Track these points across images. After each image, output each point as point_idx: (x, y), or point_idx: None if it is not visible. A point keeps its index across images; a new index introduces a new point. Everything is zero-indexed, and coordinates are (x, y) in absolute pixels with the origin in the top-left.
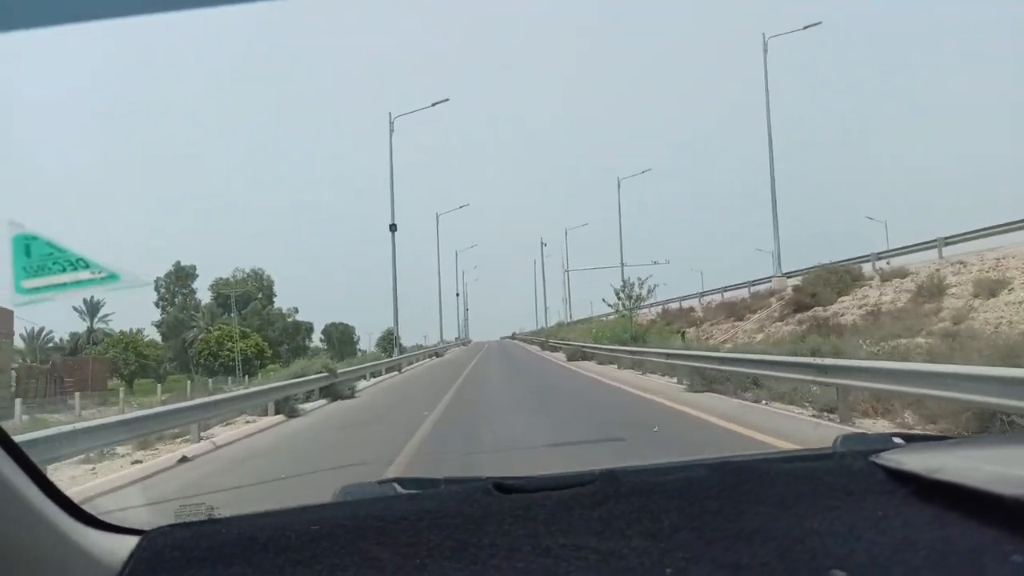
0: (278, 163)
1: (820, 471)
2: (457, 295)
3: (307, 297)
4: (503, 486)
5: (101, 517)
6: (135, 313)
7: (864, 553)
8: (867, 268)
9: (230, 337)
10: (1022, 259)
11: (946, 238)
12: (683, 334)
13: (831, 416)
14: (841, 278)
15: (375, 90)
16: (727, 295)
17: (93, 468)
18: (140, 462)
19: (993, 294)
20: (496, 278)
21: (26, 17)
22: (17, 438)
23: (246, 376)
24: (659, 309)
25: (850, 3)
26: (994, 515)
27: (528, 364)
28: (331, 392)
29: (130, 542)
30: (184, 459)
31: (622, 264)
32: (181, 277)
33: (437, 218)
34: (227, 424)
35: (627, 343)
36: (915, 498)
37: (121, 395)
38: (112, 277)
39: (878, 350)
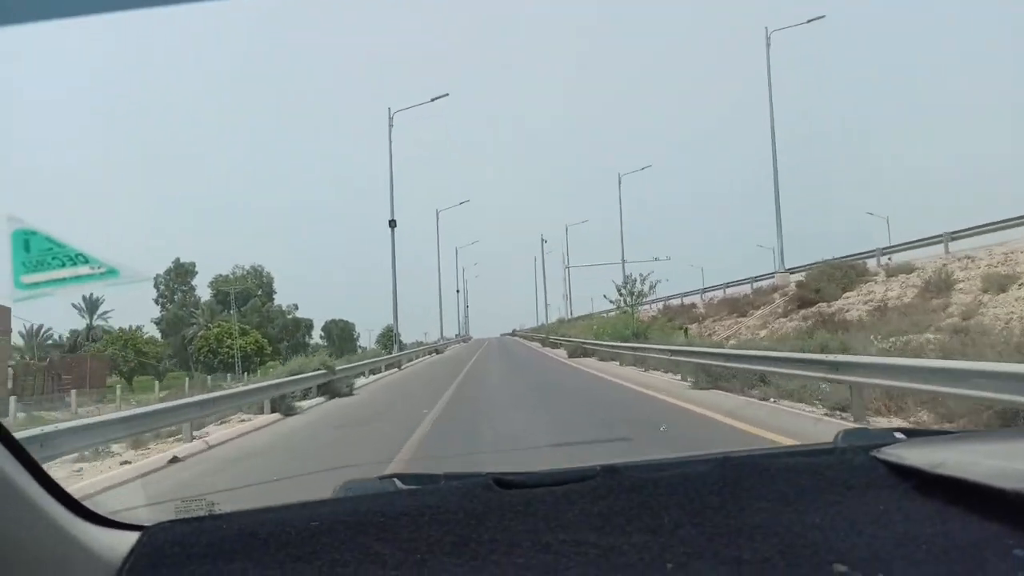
0: (278, 161)
1: (821, 466)
2: (457, 292)
3: (307, 294)
4: (503, 481)
5: (102, 513)
6: (135, 310)
7: (866, 548)
8: (871, 264)
9: (229, 334)
10: None
11: (952, 233)
12: (686, 330)
13: (843, 415)
14: (846, 273)
15: (375, 88)
16: (729, 291)
17: (80, 468)
18: (129, 462)
19: (1003, 289)
20: (496, 275)
21: (26, 13)
22: None
23: (245, 373)
24: (660, 305)
25: (852, 2)
26: (995, 509)
27: (529, 360)
28: (329, 389)
29: (131, 538)
30: (175, 459)
31: (623, 261)
32: (181, 274)
33: (437, 214)
34: (222, 423)
35: (629, 339)
36: (916, 493)
37: (118, 392)
38: (112, 272)
39: (889, 346)
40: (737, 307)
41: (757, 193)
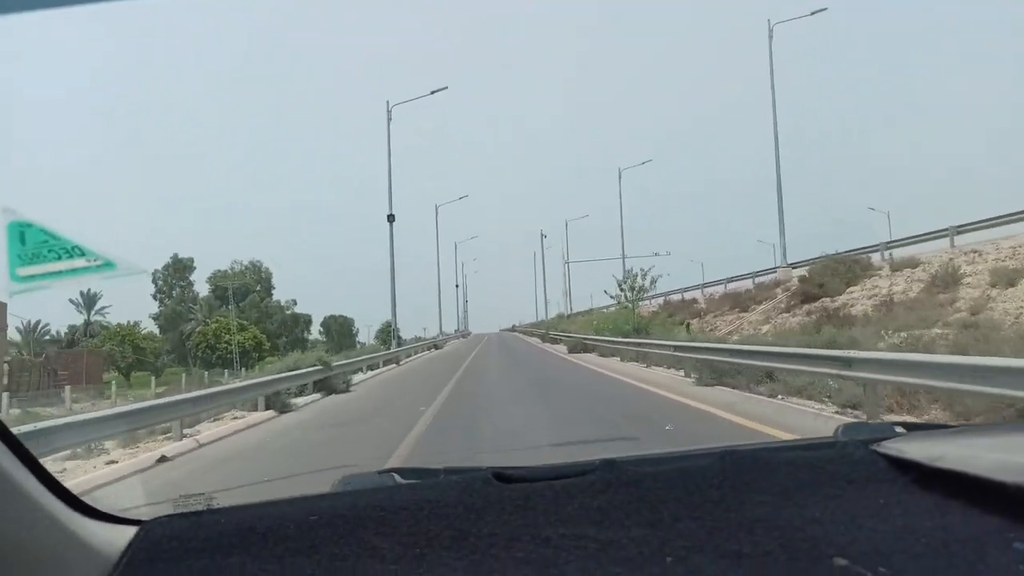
0: (277, 156)
1: (822, 460)
2: (457, 287)
3: (306, 290)
4: (502, 476)
5: (100, 507)
6: (133, 306)
7: (866, 541)
8: (875, 258)
9: (228, 330)
10: None
11: (958, 227)
12: (688, 325)
13: (855, 412)
14: (850, 268)
15: (374, 85)
16: (730, 286)
17: (63, 469)
18: (116, 462)
19: (1012, 284)
20: (496, 270)
21: (22, 3)
22: None
23: (243, 369)
24: (661, 301)
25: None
26: (995, 503)
27: (529, 356)
28: (325, 386)
29: (128, 532)
30: (163, 459)
31: (623, 256)
32: (179, 269)
33: (436, 209)
34: (215, 420)
35: (629, 335)
36: (916, 486)
37: (113, 388)
38: (108, 265)
39: (900, 341)
40: (739, 302)
41: (757, 188)
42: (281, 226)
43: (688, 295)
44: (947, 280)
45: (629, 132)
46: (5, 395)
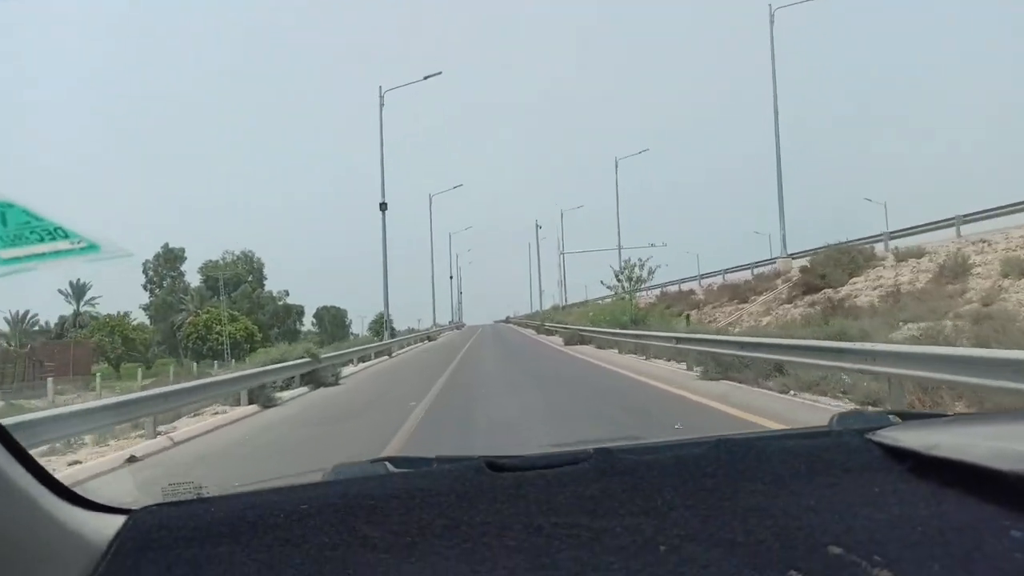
0: (270, 147)
1: (817, 449)
2: (451, 278)
3: (299, 280)
4: (495, 464)
5: (87, 496)
6: (123, 296)
7: (861, 530)
8: (878, 249)
9: (219, 320)
10: None
11: (964, 215)
12: (687, 317)
13: (875, 410)
14: (853, 258)
15: (367, 72)
16: (729, 277)
17: None
18: (80, 462)
19: None
20: (490, 261)
21: None
22: None
23: (233, 360)
24: (657, 292)
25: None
26: (991, 491)
27: (524, 348)
28: (313, 379)
29: (117, 521)
30: (132, 459)
31: (619, 247)
32: (169, 260)
33: (430, 199)
34: (194, 415)
35: (627, 326)
36: (912, 475)
37: (98, 380)
38: (92, 247)
39: (920, 334)
40: (738, 293)
41: (753, 180)
42: (274, 216)
43: (685, 286)
44: (956, 270)
45: (626, 123)
46: None
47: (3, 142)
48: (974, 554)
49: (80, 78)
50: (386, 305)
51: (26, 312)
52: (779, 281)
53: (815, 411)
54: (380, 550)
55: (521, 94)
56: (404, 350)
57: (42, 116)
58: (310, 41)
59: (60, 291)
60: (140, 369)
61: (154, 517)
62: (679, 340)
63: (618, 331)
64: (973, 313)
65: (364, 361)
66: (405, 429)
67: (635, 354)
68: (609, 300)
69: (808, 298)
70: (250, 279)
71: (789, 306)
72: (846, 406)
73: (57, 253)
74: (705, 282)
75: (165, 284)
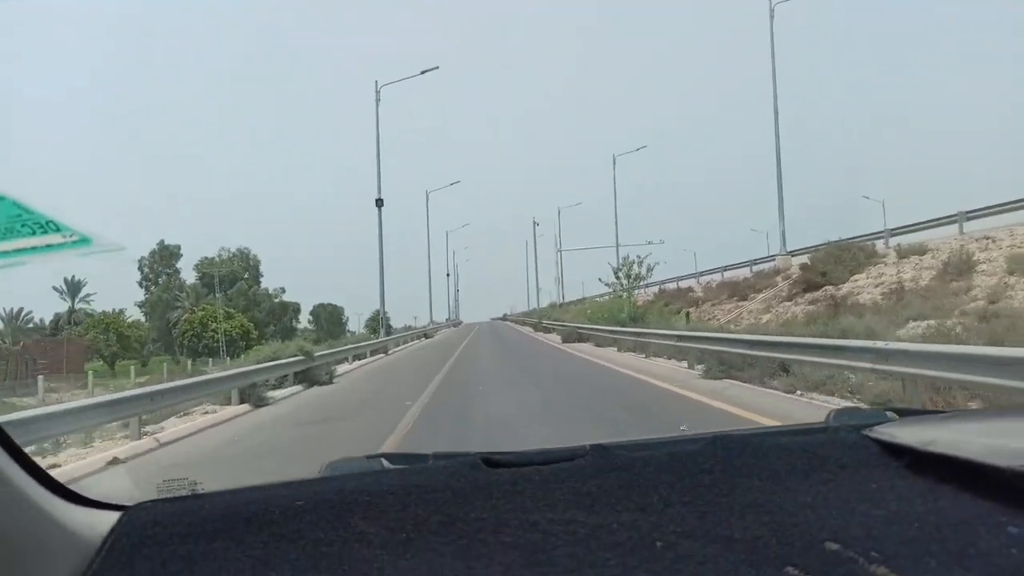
0: (267, 144)
1: (814, 445)
2: (448, 275)
3: (295, 277)
4: (491, 461)
5: (81, 492)
6: (118, 293)
7: (858, 526)
8: (879, 246)
9: (214, 318)
10: None
11: (967, 212)
12: (687, 315)
13: (872, 406)
14: (854, 256)
15: (364, 68)
16: (727, 274)
17: None
18: (58, 465)
19: None
20: (488, 259)
21: None
22: None
23: (228, 358)
24: (656, 289)
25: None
26: (988, 487)
27: (521, 346)
28: (307, 377)
29: (111, 517)
30: (115, 461)
31: (617, 244)
32: (165, 256)
33: (427, 195)
34: (183, 415)
35: (625, 324)
36: (908, 471)
37: (90, 378)
38: (84, 241)
39: (931, 332)
40: (737, 290)
41: (751, 178)
42: (270, 213)
43: (683, 283)
44: (960, 267)
45: (624, 121)
46: None
47: (3, 142)
48: (970, 550)
49: (79, 77)
50: (382, 302)
51: (20, 309)
52: (779, 278)
53: (823, 412)
54: (376, 546)
55: (520, 93)
56: (400, 348)
57: (42, 116)
58: (308, 40)
59: (55, 288)
60: (133, 367)
61: (149, 513)
62: (680, 338)
63: (617, 329)
64: (979, 311)
65: (359, 359)
66: (400, 429)
67: (634, 352)
68: (607, 298)
69: (809, 295)
70: (246, 276)
71: (789, 304)
72: (858, 406)
73: (48, 247)
74: (703, 279)
75: (161, 281)
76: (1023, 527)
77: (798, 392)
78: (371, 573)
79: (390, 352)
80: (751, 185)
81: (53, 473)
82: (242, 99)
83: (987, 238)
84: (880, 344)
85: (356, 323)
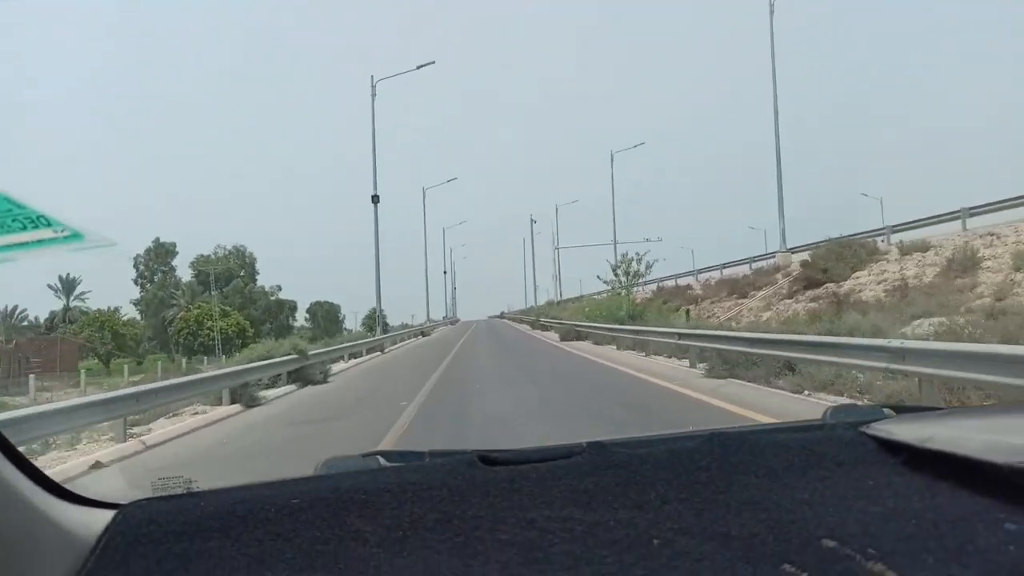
0: (264, 141)
1: (810, 442)
2: (445, 273)
3: (292, 275)
4: (488, 458)
5: (76, 491)
6: (113, 291)
7: (855, 523)
8: (879, 243)
9: (210, 316)
10: None
11: (970, 208)
12: (688, 312)
13: (868, 404)
14: (855, 252)
15: (365, 67)
16: (726, 272)
17: None
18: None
19: None
20: (485, 256)
21: None
22: None
23: (224, 356)
24: (654, 287)
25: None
26: (985, 484)
27: (519, 344)
28: (301, 376)
29: (106, 516)
30: (97, 464)
31: (615, 241)
32: (161, 254)
33: (424, 192)
34: (172, 416)
35: (624, 321)
36: (906, 468)
37: (82, 377)
38: (76, 236)
39: (943, 330)
40: (737, 288)
41: (749, 177)
42: (267, 211)
43: (682, 281)
44: (965, 264)
45: (622, 120)
46: None
47: (2, 141)
48: (968, 547)
49: (76, 75)
50: (378, 300)
51: (15, 307)
52: (779, 276)
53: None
54: (372, 544)
55: (518, 91)
56: (397, 346)
57: (40, 114)
58: (306, 39)
59: (50, 286)
60: (127, 365)
61: (143, 512)
62: (681, 336)
63: (616, 327)
64: (987, 308)
65: (355, 357)
66: (395, 429)
67: (633, 350)
68: (605, 295)
69: (810, 293)
70: (242, 274)
71: (790, 301)
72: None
73: (40, 242)
74: (702, 277)
75: (156, 279)
76: (1021, 524)
77: (806, 392)
78: (367, 571)
79: (386, 351)
80: (749, 183)
81: None
82: (239, 97)
83: (991, 234)
84: (895, 343)
85: (353, 321)
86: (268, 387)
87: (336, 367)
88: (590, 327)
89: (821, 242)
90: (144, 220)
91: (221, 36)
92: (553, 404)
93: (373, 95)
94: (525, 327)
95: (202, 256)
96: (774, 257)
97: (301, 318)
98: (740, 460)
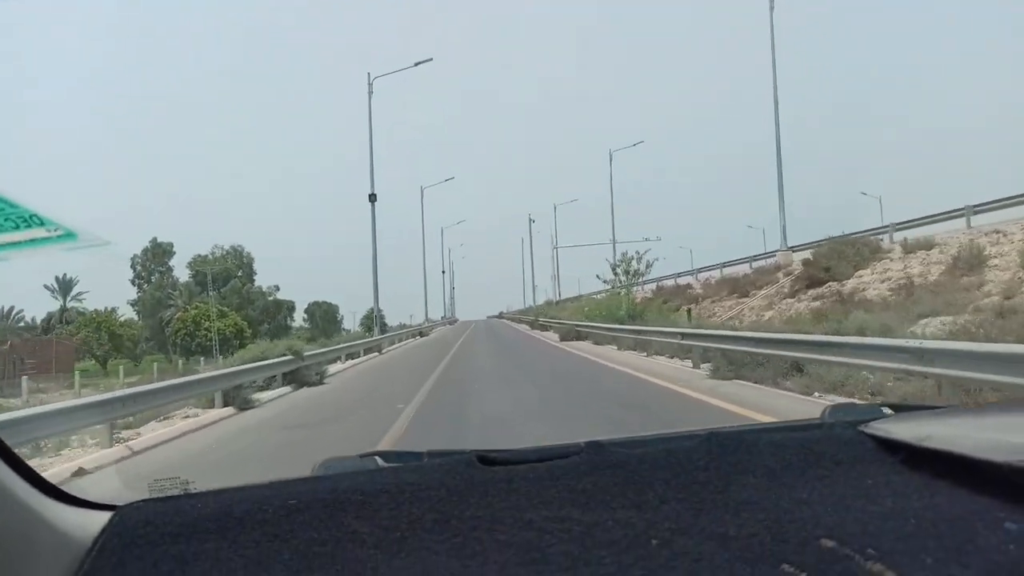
0: (262, 141)
1: (809, 441)
2: (443, 273)
3: (290, 275)
4: (486, 458)
5: (72, 492)
6: (110, 291)
7: (854, 522)
8: (882, 241)
9: (207, 316)
10: None
11: (975, 206)
12: (689, 311)
13: (867, 402)
14: (858, 251)
15: (364, 67)
16: (726, 271)
17: None
18: None
19: None
20: (483, 256)
21: None
22: None
23: (221, 357)
24: (653, 286)
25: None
26: (984, 482)
27: (518, 344)
28: (296, 378)
29: (102, 517)
30: (80, 472)
31: (614, 240)
32: (158, 254)
33: (422, 191)
34: (163, 419)
35: (624, 321)
36: (904, 467)
37: (76, 378)
38: (69, 235)
39: (957, 330)
40: (738, 287)
41: (747, 176)
42: (264, 211)
43: (681, 280)
44: (971, 262)
45: (621, 120)
46: None
47: (2, 141)
48: (967, 546)
49: (73, 75)
50: (376, 299)
51: (11, 308)
52: (780, 274)
53: None
54: (369, 545)
55: (518, 90)
56: (395, 346)
57: (38, 114)
58: (305, 39)
59: (46, 286)
60: (122, 366)
61: (140, 513)
62: (684, 336)
63: (617, 327)
64: (995, 306)
65: (352, 358)
66: (392, 433)
67: (634, 351)
68: (604, 295)
69: (812, 291)
70: (240, 274)
71: (792, 300)
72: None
73: (33, 241)
74: (702, 276)
75: (153, 279)
76: (1020, 523)
77: (816, 394)
78: (365, 572)
79: (384, 351)
80: (747, 183)
81: None
82: (238, 97)
83: (997, 232)
84: (915, 343)
85: (351, 321)
86: (262, 389)
87: (333, 368)
88: (590, 327)
89: (823, 240)
90: (143, 220)
91: (220, 36)
92: (552, 404)
93: (370, 92)
94: (524, 327)
95: (200, 256)
96: (775, 256)
97: (299, 318)
98: (738, 460)
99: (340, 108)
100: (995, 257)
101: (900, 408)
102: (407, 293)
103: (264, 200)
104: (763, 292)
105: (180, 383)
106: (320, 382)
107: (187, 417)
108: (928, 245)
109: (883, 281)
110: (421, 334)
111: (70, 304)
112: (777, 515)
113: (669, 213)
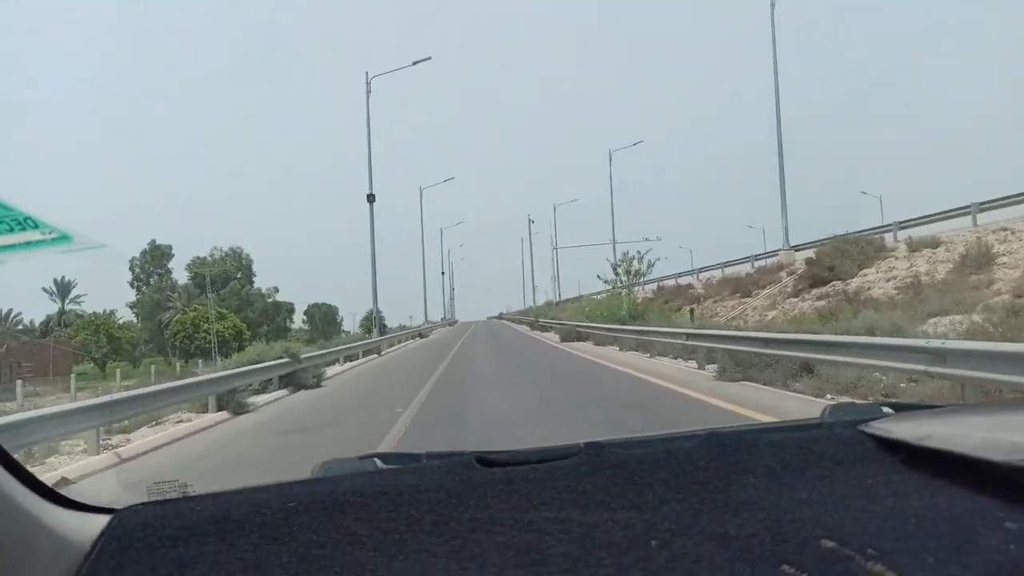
0: (261, 143)
1: (809, 441)
2: (443, 274)
3: (290, 277)
4: (485, 460)
5: (70, 496)
6: (109, 294)
7: (854, 522)
8: (886, 240)
9: (207, 318)
10: None
11: (981, 204)
12: (692, 311)
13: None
14: (862, 249)
15: (363, 67)
16: (728, 270)
17: None
18: None
19: None
20: (483, 257)
21: None
22: None
23: (220, 359)
24: (654, 286)
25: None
26: (985, 481)
27: (518, 346)
28: (293, 381)
29: (101, 521)
30: (64, 481)
31: (614, 240)
32: (157, 256)
33: (421, 192)
34: (154, 424)
35: (625, 321)
36: (905, 466)
37: (72, 381)
38: (64, 238)
39: (970, 328)
40: (740, 287)
41: (747, 176)
42: (263, 213)
43: (682, 280)
44: (980, 260)
45: (620, 120)
46: None
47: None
48: (968, 546)
49: (72, 76)
50: (375, 301)
51: (9, 311)
52: (783, 274)
53: None
54: (368, 547)
55: (518, 90)
56: (394, 348)
57: (41, 115)
58: (303, 39)
59: (45, 289)
60: (119, 369)
61: (139, 516)
62: (689, 336)
63: (618, 327)
64: (1006, 305)
65: (351, 360)
66: (390, 438)
67: (636, 351)
68: (604, 295)
69: (816, 291)
70: (239, 276)
71: (796, 300)
72: None
73: (27, 244)
74: (703, 276)
75: (152, 281)
76: (1021, 522)
77: (828, 396)
78: (364, 574)
79: (383, 353)
80: (747, 183)
81: None
82: (237, 97)
83: (1005, 229)
84: (935, 343)
85: (351, 323)
86: (258, 392)
87: (331, 371)
88: (591, 327)
89: (826, 239)
90: (142, 220)
91: (220, 36)
92: (553, 405)
93: (368, 91)
94: (524, 328)
95: (198, 258)
96: (777, 255)
97: (299, 320)
98: (738, 460)
99: (340, 108)
100: (1004, 255)
101: (900, 407)
102: (407, 294)
103: (263, 200)
104: (766, 292)
105: (174, 387)
106: (317, 385)
107: (180, 422)
108: (934, 243)
109: (888, 280)
110: (421, 336)
111: (69, 307)
112: (777, 515)
113: (669, 213)
